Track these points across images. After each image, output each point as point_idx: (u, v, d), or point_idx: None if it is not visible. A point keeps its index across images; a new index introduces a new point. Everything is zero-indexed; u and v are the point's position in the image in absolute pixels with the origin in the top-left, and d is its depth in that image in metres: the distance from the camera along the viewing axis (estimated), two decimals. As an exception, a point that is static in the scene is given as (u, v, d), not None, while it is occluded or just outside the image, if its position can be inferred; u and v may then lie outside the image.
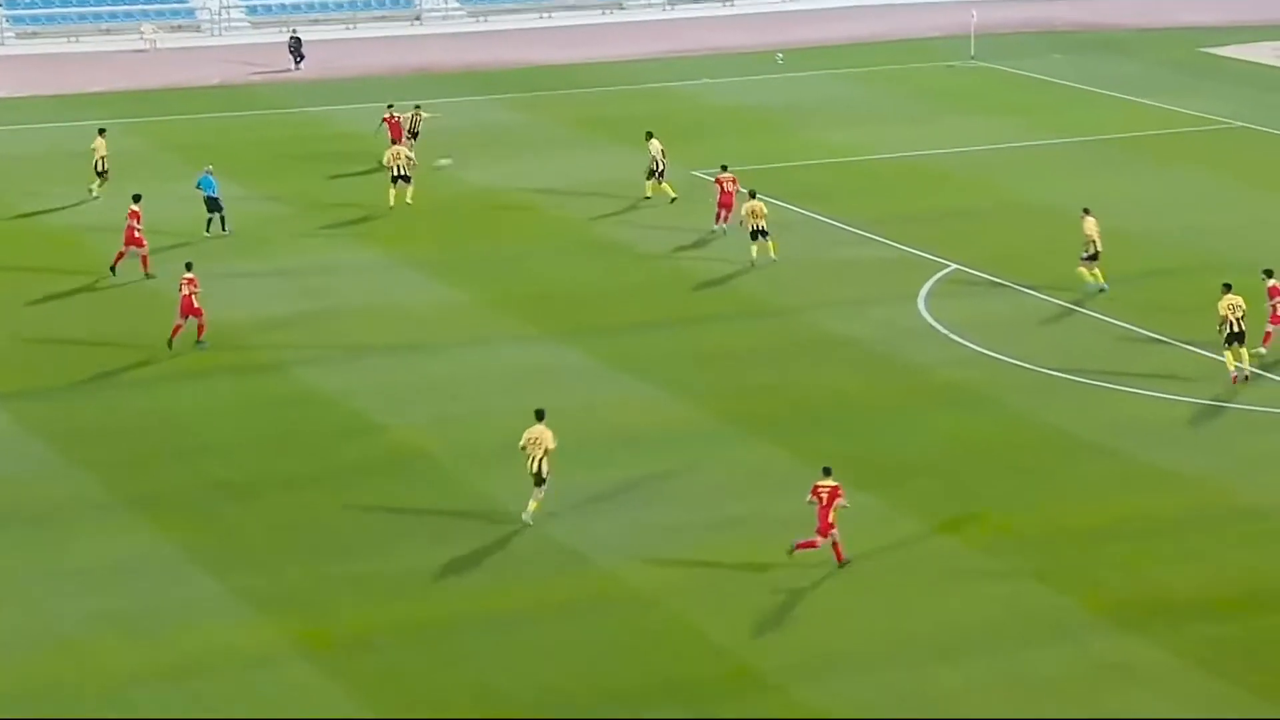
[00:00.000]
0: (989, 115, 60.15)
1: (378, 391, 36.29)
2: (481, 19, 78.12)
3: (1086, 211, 42.13)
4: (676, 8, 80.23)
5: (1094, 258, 41.70)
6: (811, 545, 28.65)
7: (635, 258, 45.33)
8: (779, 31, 75.31)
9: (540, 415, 30.63)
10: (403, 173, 48.74)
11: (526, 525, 30.08)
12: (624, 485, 32.02)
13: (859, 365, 37.52)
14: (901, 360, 37.65)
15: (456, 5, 78.61)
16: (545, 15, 79.47)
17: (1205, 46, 71.46)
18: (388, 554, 29.51)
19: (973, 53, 69.35)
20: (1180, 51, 70.71)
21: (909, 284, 42.72)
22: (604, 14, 79.80)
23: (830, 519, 28.55)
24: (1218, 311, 36.34)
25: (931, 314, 40.75)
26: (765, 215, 44.25)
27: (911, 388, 36.26)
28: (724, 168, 47.79)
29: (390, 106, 53.54)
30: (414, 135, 52.49)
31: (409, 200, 48.74)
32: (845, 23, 77.12)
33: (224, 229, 46.31)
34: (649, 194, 49.53)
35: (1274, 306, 37.44)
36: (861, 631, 27.15)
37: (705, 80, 66.66)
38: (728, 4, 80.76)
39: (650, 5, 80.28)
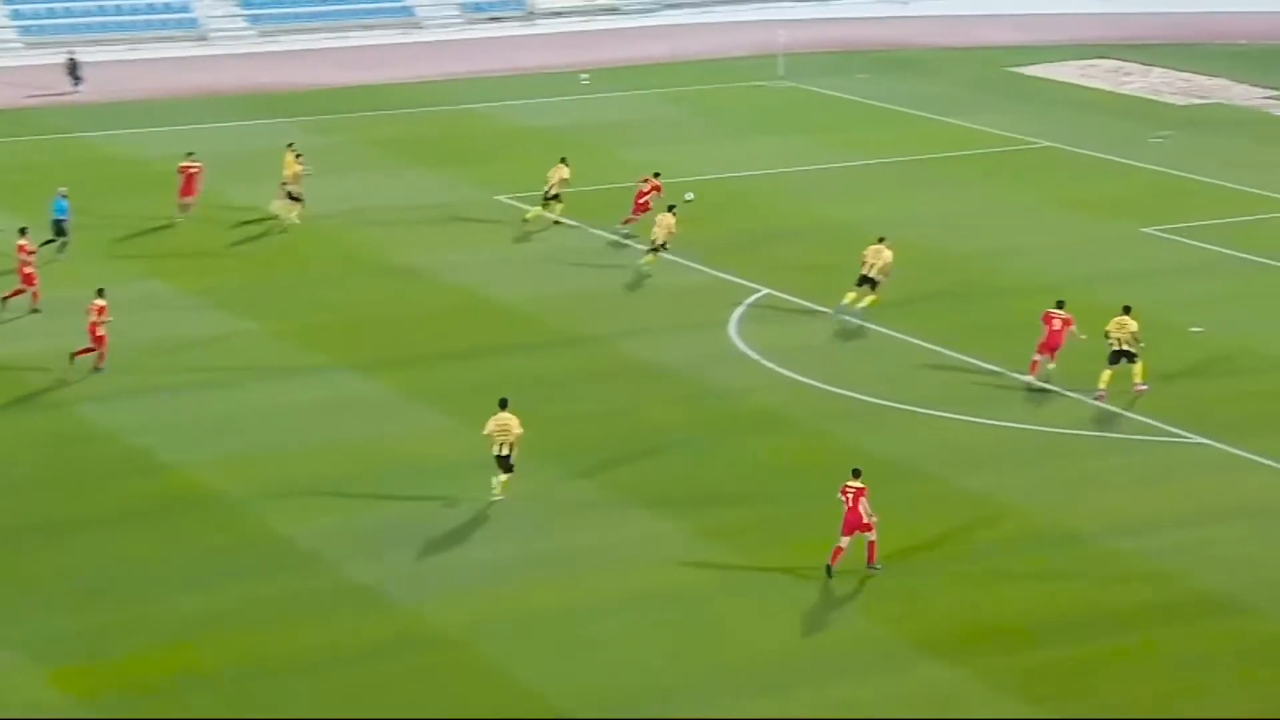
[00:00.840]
0: (798, 135, 60.69)
1: (164, 428, 35.38)
2: (271, 39, 77.03)
3: (881, 240, 42.23)
4: (476, 27, 79.90)
5: (869, 282, 41.57)
6: (840, 552, 29.28)
7: (437, 285, 44.83)
8: (582, 51, 75.34)
9: (504, 404, 32.40)
10: (292, 194, 48.51)
11: (496, 499, 31.90)
12: (426, 520, 31.51)
13: (668, 393, 37.42)
14: (712, 387, 37.62)
15: (245, 24, 77.43)
16: (339, 35, 78.62)
17: (1010, 66, 72.93)
18: (174, 597, 28.66)
19: (781, 72, 70.01)
20: (985, 71, 72.07)
21: (719, 309, 42.77)
22: (401, 34, 79.17)
23: (863, 520, 29.10)
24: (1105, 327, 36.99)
25: (742, 339, 40.82)
26: (673, 233, 45.08)
27: (722, 415, 36.24)
28: (656, 174, 48.72)
29: (190, 154, 50.19)
30: (296, 199, 49.13)
31: (296, 219, 48.41)
32: (651, 42, 77.42)
33: (60, 252, 45.75)
34: (546, 214, 48.98)
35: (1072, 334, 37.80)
36: (676, 666, 26.93)
37: (507, 101, 66.36)
38: (529, 23, 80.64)
39: (449, 25, 79.85)
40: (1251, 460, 34.20)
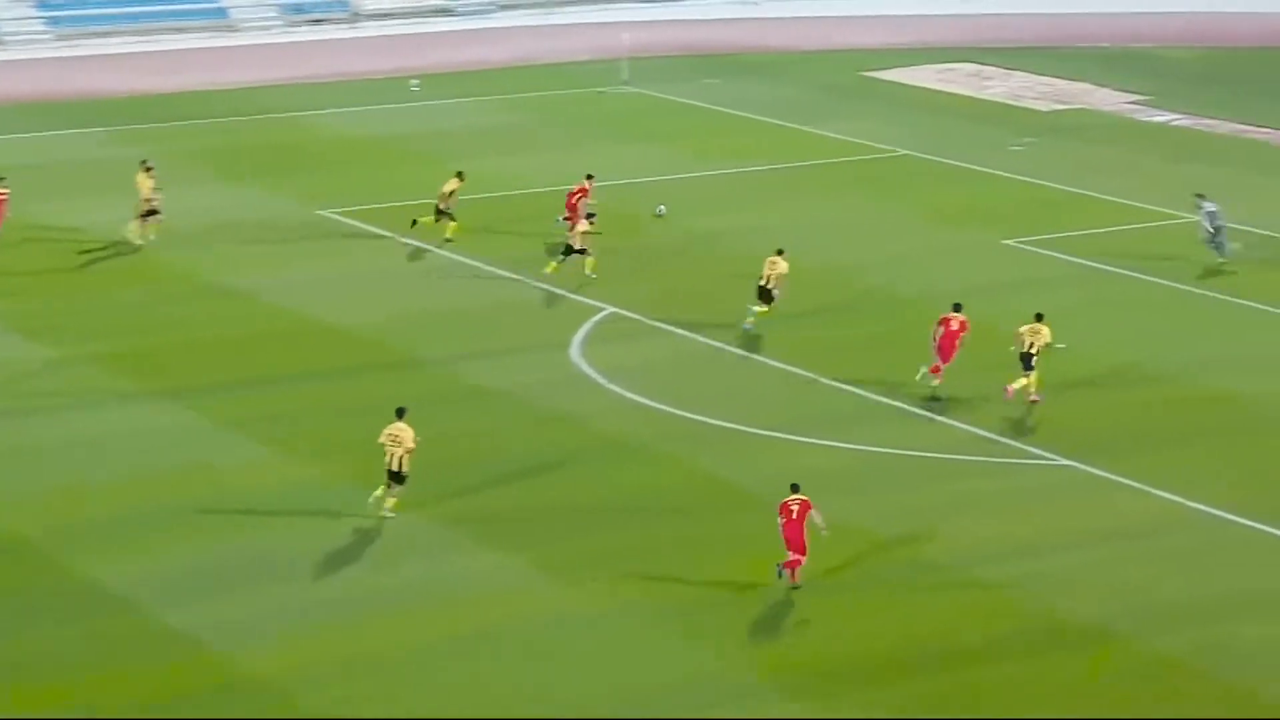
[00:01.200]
0: (643, 144, 61.10)
1: (-43, 465, 34.81)
2: (71, 43, 76.11)
3: (779, 252, 43.04)
4: (297, 30, 79.48)
5: (767, 296, 42.51)
6: (796, 564, 30.24)
7: (257, 306, 44.56)
8: (413, 55, 75.25)
9: (400, 413, 32.91)
10: (148, 211, 48.20)
11: (387, 518, 32.50)
12: (243, 559, 31.32)
13: (508, 418, 37.51)
14: (554, 412, 37.77)
15: (41, 27, 76.32)
16: (147, 38, 77.81)
17: (866, 70, 73.98)
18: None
19: (625, 77, 70.44)
20: (840, 75, 73.04)
21: (562, 330, 42.96)
22: (215, 37, 78.60)
23: (800, 539, 30.16)
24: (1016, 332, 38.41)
25: (587, 361, 41.03)
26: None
27: (565, 441, 36.39)
28: (589, 177, 49.44)
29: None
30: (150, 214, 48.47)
31: (152, 237, 48.06)
32: (486, 46, 77.51)
33: None
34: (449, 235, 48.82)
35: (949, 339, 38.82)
36: (515, 708, 26.96)
37: (332, 109, 66.11)
38: (353, 26, 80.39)
39: (267, 28, 79.35)
40: (1118, 482, 35.01)
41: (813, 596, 30.43)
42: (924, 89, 70.96)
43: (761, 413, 38.07)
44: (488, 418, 37.65)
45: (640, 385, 39.36)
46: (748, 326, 42.63)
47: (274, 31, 79.42)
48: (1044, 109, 67.91)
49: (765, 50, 77.85)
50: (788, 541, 30.47)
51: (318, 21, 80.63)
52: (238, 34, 79.02)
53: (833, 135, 62.55)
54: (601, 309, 44.45)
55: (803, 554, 30.41)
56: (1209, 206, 48.43)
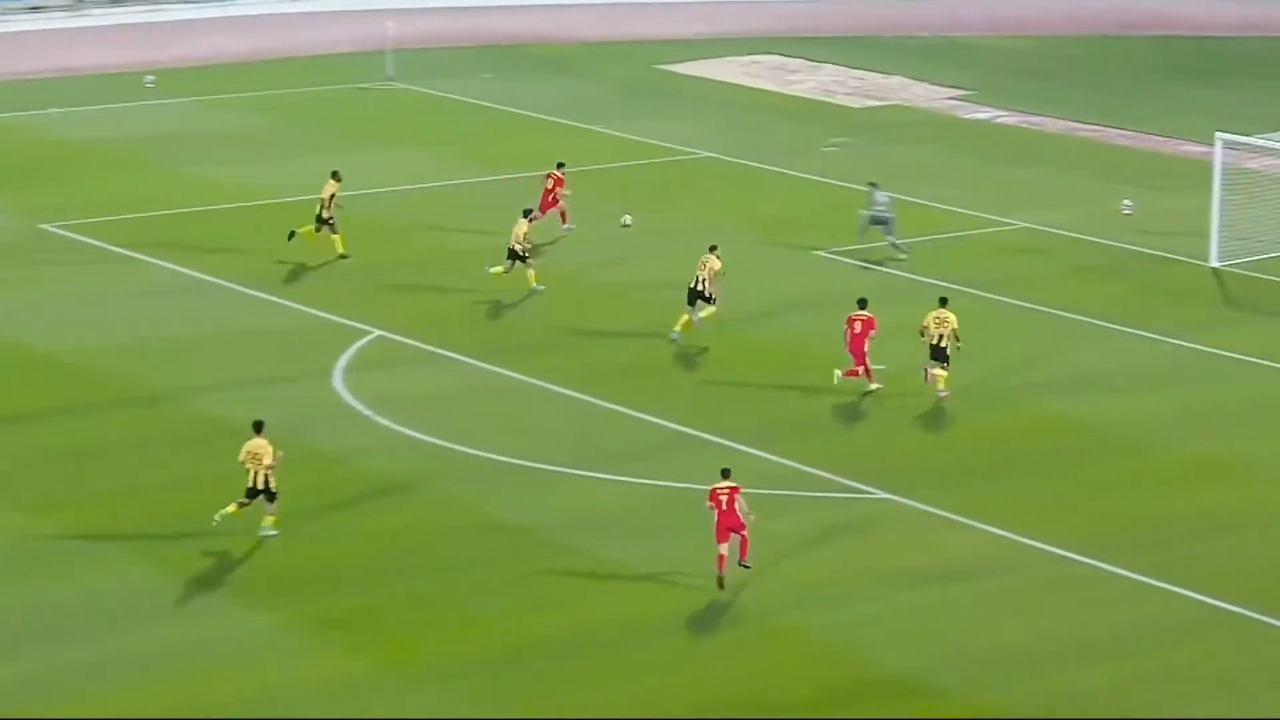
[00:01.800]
0: (410, 147, 61.12)
1: None
2: None
3: (712, 249, 44.36)
4: (11, 19, 78.27)
5: (700, 296, 43.65)
6: (723, 559, 32.13)
7: (-32, 335, 43.93)
8: (148, 48, 74.53)
9: (258, 427, 33.89)
10: None
11: (267, 537, 33.59)
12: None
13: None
14: (313, 448, 37.59)
15: None
16: None
17: (662, 63, 74.64)
18: None
19: (389, 72, 70.37)
20: (634, 69, 73.63)
21: (323, 356, 42.83)
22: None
23: (739, 519, 32.16)
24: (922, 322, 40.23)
25: (350, 391, 40.95)
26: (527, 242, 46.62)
27: (326, 481, 36.27)
28: (560, 165, 51.76)
29: None
30: None
31: None
32: (231, 36, 77.00)
33: None
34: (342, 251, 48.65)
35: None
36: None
37: (53, 109, 65.24)
38: (78, 13, 79.33)
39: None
40: (940, 516, 35.67)
41: (599, 652, 30.60)
42: (726, 84, 71.73)
43: (543, 445, 38.20)
44: (231, 457, 37.35)
45: (410, 416, 39.32)
46: (674, 335, 43.54)
47: (-15, 21, 78.31)
48: (857, 105, 69.01)
49: (550, 41, 78.19)
50: (724, 529, 32.14)
51: (37, 9, 79.51)
52: (-59, 23, 77.81)
53: (627, 135, 63.02)
54: (368, 332, 44.38)
55: (742, 529, 32.39)
56: (880, 197, 50.87)
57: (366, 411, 39.88)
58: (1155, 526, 35.43)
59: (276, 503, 33.80)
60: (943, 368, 40.47)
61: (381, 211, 53.89)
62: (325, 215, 48.86)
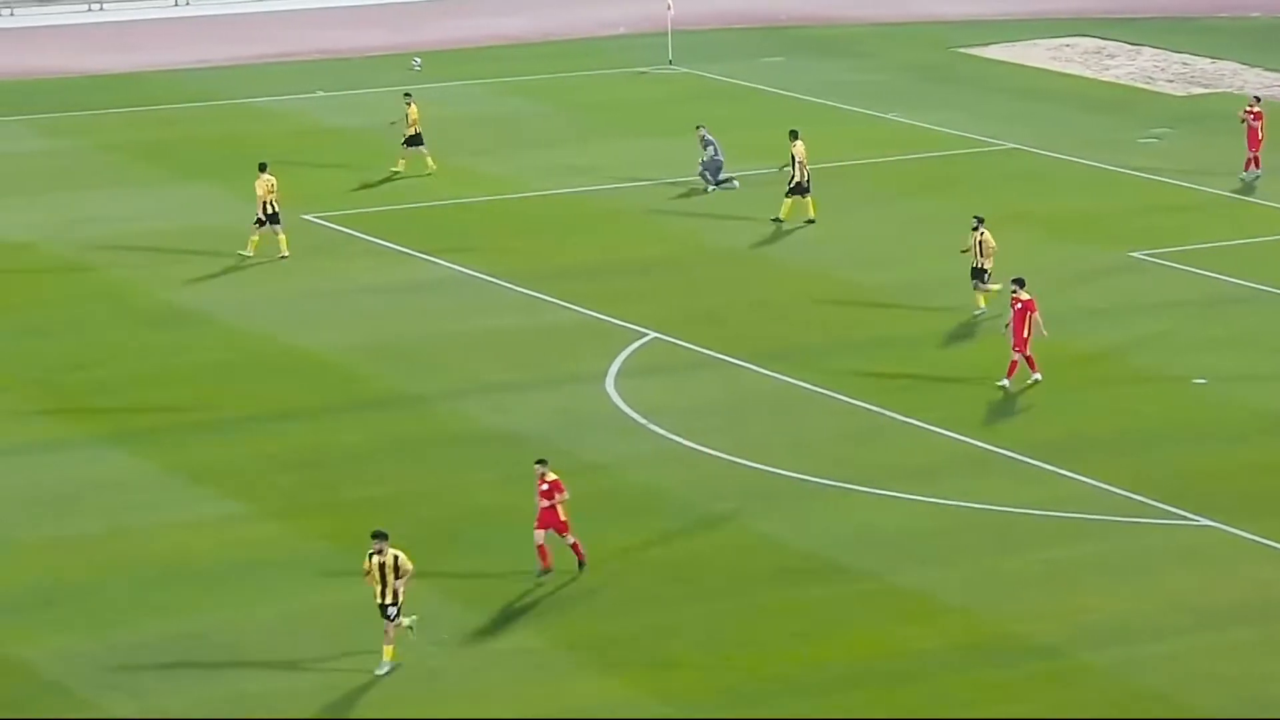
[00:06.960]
0: (690, 136, 61.20)
1: None
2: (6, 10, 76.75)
3: (980, 221, 45.30)
4: (271, -1, 79.99)
5: (981, 273, 44.72)
6: (543, 551, 32.87)
7: (218, 330, 44.85)
8: (413, 29, 75.73)
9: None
10: None
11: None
12: (191, 636, 31.44)
13: (514, 468, 36.90)
14: (582, 459, 37.74)
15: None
16: (94, 7, 78.40)
17: (961, 46, 74.09)
18: None
19: (670, 56, 70.69)
20: (929, 52, 73.18)
21: (593, 359, 43.08)
22: (173, 7, 79.10)
23: (562, 516, 32.77)
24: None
25: (622, 397, 41.15)
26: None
27: (595, 494, 36.41)
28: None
29: None
30: None
31: None
32: (504, 17, 77.97)
33: None
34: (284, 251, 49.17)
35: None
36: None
37: (319, 92, 66.49)
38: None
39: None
40: (1265, 545, 34.97)
41: (874, 684, 30.46)
42: (1031, 69, 71.03)
43: (827, 458, 38.05)
44: (491, 467, 37.60)
45: (685, 425, 39.30)
46: (978, 312, 45.03)
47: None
48: (1180, 93, 67.92)
49: (840, 23, 78.00)
50: (550, 523, 32.79)
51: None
52: (198, 4, 79.47)
53: (921, 125, 62.62)
54: (643, 334, 44.45)
55: (565, 532, 32.94)
56: (709, 137, 54.15)
57: (638, 417, 39.94)
58: None
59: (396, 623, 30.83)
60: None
61: (659, 204, 54.10)
62: (266, 214, 48.45)
